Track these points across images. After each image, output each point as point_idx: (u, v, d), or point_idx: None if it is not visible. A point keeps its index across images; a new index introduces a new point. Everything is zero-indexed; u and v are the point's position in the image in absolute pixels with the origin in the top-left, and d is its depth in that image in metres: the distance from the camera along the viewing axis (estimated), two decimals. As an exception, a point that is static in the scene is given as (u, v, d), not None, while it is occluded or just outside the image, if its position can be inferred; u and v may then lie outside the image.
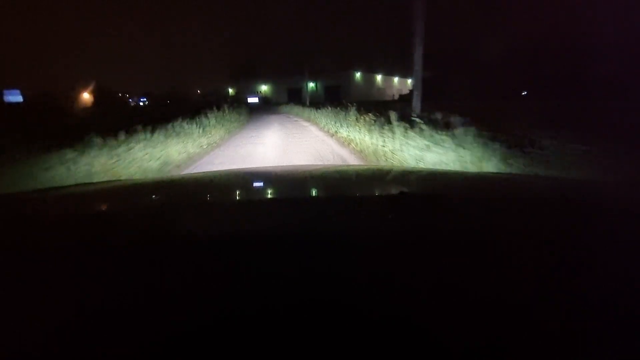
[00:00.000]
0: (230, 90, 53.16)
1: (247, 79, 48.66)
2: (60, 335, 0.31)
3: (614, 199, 0.81)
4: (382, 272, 0.41)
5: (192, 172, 4.76)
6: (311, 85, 43.04)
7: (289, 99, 45.38)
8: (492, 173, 2.05)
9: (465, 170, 3.02)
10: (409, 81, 60.45)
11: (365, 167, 2.36)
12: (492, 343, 0.30)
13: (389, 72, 48.48)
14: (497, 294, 0.37)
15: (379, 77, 46.83)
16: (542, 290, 0.38)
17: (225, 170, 1.58)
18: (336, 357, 0.28)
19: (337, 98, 40.69)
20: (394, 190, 0.84)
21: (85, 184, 1.45)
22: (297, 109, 18.87)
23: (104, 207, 0.85)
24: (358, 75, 41.60)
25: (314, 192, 0.98)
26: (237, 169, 1.71)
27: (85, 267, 0.45)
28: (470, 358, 0.28)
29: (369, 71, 43.52)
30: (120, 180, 1.93)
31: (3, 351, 0.29)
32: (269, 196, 0.95)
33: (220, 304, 0.36)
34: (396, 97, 50.03)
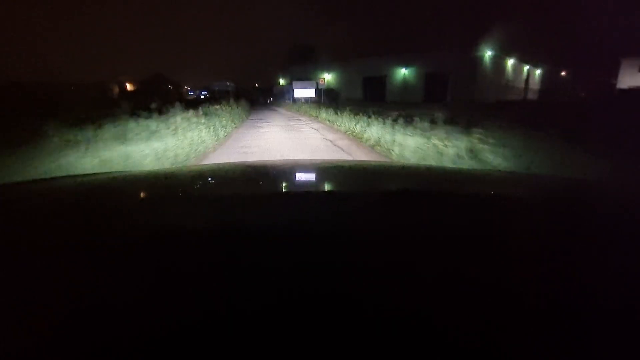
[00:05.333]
0: (282, 81, 40.11)
1: (302, 66, 34.69)
2: (59, 332, 0.31)
3: (608, 198, 0.85)
4: (381, 266, 0.42)
5: None
6: (402, 71, 27.42)
7: (365, 92, 30.27)
8: (492, 170, 2.21)
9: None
10: (538, 72, 41.76)
11: (367, 162, 2.15)
12: (490, 335, 0.31)
13: (522, 58, 30.89)
14: (496, 287, 0.38)
15: (509, 63, 29.57)
16: (541, 285, 0.39)
17: (226, 163, 1.67)
18: (336, 350, 0.28)
19: (444, 94, 23.51)
20: (394, 186, 0.89)
21: (83, 175, 1.30)
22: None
23: (99, 200, 0.81)
24: (487, 56, 24.92)
25: (313, 187, 0.99)
26: (237, 162, 1.96)
27: (82, 262, 0.44)
28: (468, 351, 0.29)
29: (500, 52, 26.56)
30: (116, 172, 1.50)
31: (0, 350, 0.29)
32: (269, 190, 0.95)
33: (220, 299, 0.36)
34: (521, 93, 32.34)
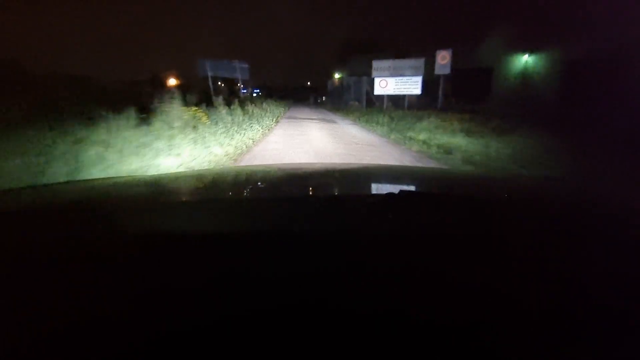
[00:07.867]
0: (337, 76, 32.69)
1: (364, 57, 26.46)
2: (56, 337, 0.31)
3: (604, 199, 0.85)
4: (382, 270, 0.43)
5: None
6: (524, 59, 17.85)
7: (454, 91, 21.29)
8: (493, 172, 2.35)
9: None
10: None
11: (366, 166, 2.32)
12: (485, 334, 0.31)
13: None
14: (496, 290, 0.39)
15: None
16: (533, 284, 0.40)
17: (232, 167, 1.79)
18: (335, 354, 0.29)
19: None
20: (393, 189, 0.92)
21: (84, 180, 1.50)
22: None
23: (98, 205, 0.82)
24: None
25: (313, 191, 0.99)
26: (238, 166, 2.21)
27: (82, 267, 0.45)
28: (469, 353, 0.29)
29: None
30: (118, 177, 1.48)
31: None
32: (268, 195, 0.95)
33: (219, 304, 0.36)
34: None
